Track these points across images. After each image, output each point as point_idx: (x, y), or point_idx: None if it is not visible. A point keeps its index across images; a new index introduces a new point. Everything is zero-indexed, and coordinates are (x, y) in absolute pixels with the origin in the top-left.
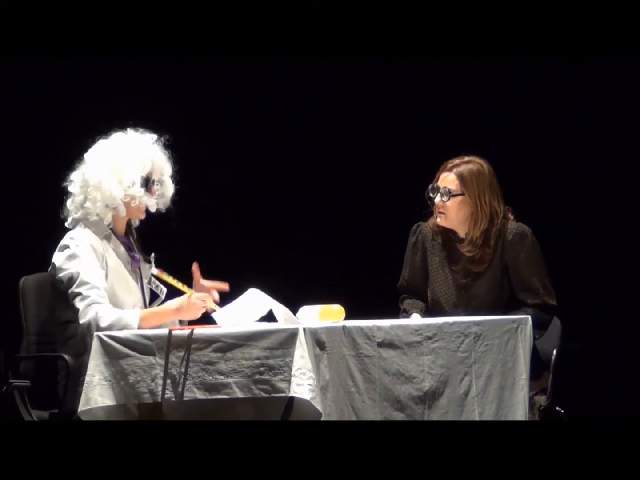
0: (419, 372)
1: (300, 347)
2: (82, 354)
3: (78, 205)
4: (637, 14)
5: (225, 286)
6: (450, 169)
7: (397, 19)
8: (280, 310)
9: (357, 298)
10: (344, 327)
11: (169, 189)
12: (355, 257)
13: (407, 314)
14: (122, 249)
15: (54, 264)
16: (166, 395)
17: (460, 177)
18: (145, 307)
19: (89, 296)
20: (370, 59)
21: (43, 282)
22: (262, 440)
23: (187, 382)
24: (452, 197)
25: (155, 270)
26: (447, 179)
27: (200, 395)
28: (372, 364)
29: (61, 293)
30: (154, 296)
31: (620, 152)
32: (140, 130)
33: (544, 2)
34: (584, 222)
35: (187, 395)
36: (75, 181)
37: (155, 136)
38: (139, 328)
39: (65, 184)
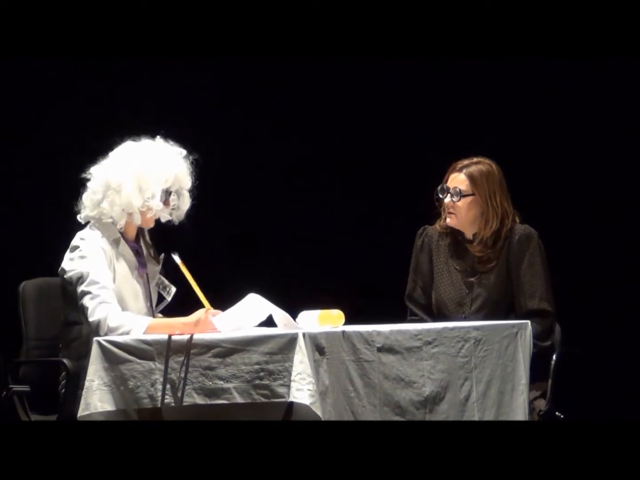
0: (419, 377)
1: (300, 352)
2: (84, 356)
3: (95, 204)
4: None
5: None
6: (460, 170)
7: (401, 19)
8: (280, 316)
9: (357, 303)
10: (343, 332)
11: (186, 202)
12: (355, 262)
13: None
14: (130, 253)
15: (63, 263)
16: (166, 401)
17: (471, 178)
18: (152, 313)
19: (99, 295)
20: (378, 61)
21: (43, 287)
22: (262, 441)
23: (186, 387)
24: (463, 197)
25: (178, 260)
26: (457, 180)
27: (199, 400)
28: (371, 369)
29: (69, 294)
30: (160, 298)
31: (621, 154)
32: (170, 142)
33: (550, 1)
34: (584, 224)
35: (187, 401)
36: (96, 178)
37: (184, 151)
38: None
39: (84, 175)
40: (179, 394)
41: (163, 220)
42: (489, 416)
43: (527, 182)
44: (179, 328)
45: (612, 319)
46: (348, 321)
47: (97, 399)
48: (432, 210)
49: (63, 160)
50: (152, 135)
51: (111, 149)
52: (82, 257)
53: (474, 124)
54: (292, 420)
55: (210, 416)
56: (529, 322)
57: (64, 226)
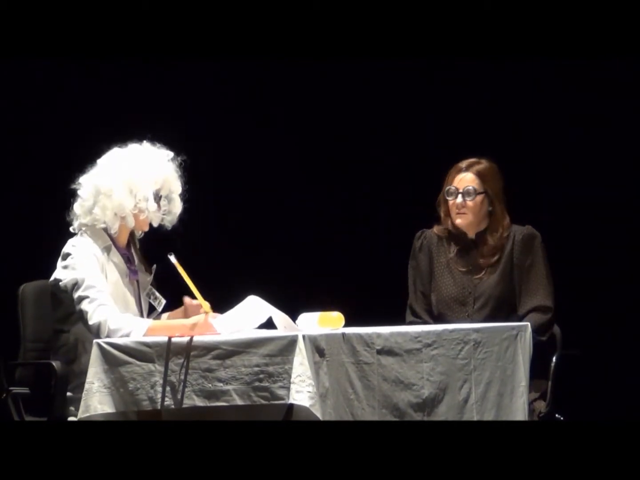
0: (419, 379)
1: (300, 354)
2: (72, 361)
3: (87, 211)
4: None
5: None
6: (467, 169)
7: (400, 19)
8: (280, 318)
9: (357, 305)
10: (343, 334)
11: (177, 206)
12: (355, 263)
13: None
14: (121, 260)
15: (56, 271)
16: (165, 403)
17: (481, 176)
18: None
19: (96, 298)
20: (377, 61)
21: (42, 290)
22: (261, 441)
23: (186, 390)
24: (478, 194)
25: (174, 260)
26: (467, 179)
27: (199, 402)
28: (371, 371)
29: (59, 301)
30: (150, 309)
31: (621, 156)
32: (157, 145)
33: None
34: (584, 226)
35: (187, 403)
36: (86, 185)
37: (171, 153)
38: None
39: (73, 186)
40: (179, 396)
41: (154, 224)
42: (489, 418)
43: (527, 183)
44: (179, 330)
45: (612, 319)
46: (348, 323)
47: (96, 401)
48: (433, 213)
49: (63, 163)
50: (141, 139)
51: (99, 156)
52: (75, 263)
53: (475, 125)
54: (292, 420)
55: (209, 418)
56: (528, 324)
57: (64, 229)
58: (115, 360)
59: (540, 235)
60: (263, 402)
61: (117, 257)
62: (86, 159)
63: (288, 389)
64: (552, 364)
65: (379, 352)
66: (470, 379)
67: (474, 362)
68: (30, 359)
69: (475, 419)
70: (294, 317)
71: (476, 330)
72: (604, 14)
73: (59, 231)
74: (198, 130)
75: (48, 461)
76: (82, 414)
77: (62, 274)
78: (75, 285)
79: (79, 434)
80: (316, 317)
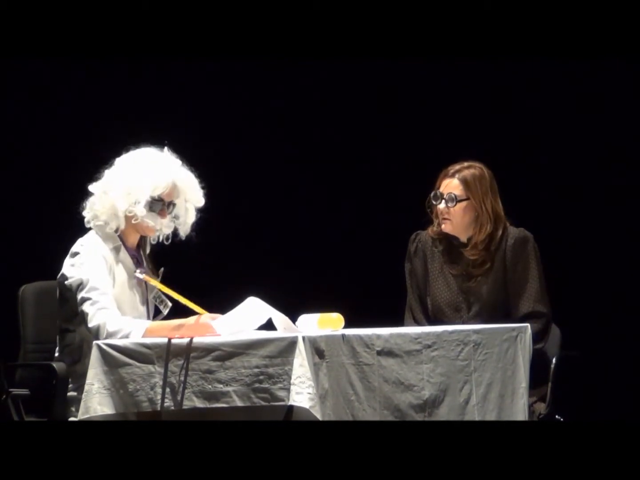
0: (419, 381)
1: (300, 355)
2: (77, 361)
3: (91, 206)
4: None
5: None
6: (453, 175)
7: (400, 19)
8: (280, 319)
9: (357, 306)
10: (343, 336)
11: (189, 216)
12: (355, 265)
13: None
14: (129, 261)
15: (63, 269)
16: (165, 404)
17: (465, 182)
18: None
19: (98, 301)
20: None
21: (43, 291)
22: (261, 441)
23: (186, 391)
24: (458, 202)
25: (141, 276)
26: (451, 185)
27: (199, 403)
28: (371, 372)
29: (66, 300)
30: (156, 312)
31: (620, 157)
32: (171, 151)
33: (548, 2)
34: (583, 227)
35: (186, 404)
36: (97, 182)
37: (179, 162)
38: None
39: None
40: (179, 398)
41: (158, 232)
42: (489, 419)
43: (526, 183)
44: (177, 329)
45: (612, 320)
46: (348, 324)
47: (96, 402)
48: (425, 217)
49: (63, 165)
50: (159, 144)
51: (99, 156)
52: (82, 263)
53: (473, 126)
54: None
55: (209, 419)
56: (528, 325)
57: (64, 230)
58: (115, 362)
59: (532, 237)
60: (263, 403)
61: (126, 257)
62: (86, 159)
63: (288, 390)
64: (552, 366)
65: (379, 353)
66: (470, 380)
67: (474, 364)
68: (30, 361)
69: (476, 420)
70: (293, 319)
71: (476, 332)
72: (604, 14)
73: (59, 232)
74: (198, 130)
75: (48, 461)
76: (81, 416)
77: (69, 271)
78: (80, 285)
79: (79, 434)
80: (316, 318)
